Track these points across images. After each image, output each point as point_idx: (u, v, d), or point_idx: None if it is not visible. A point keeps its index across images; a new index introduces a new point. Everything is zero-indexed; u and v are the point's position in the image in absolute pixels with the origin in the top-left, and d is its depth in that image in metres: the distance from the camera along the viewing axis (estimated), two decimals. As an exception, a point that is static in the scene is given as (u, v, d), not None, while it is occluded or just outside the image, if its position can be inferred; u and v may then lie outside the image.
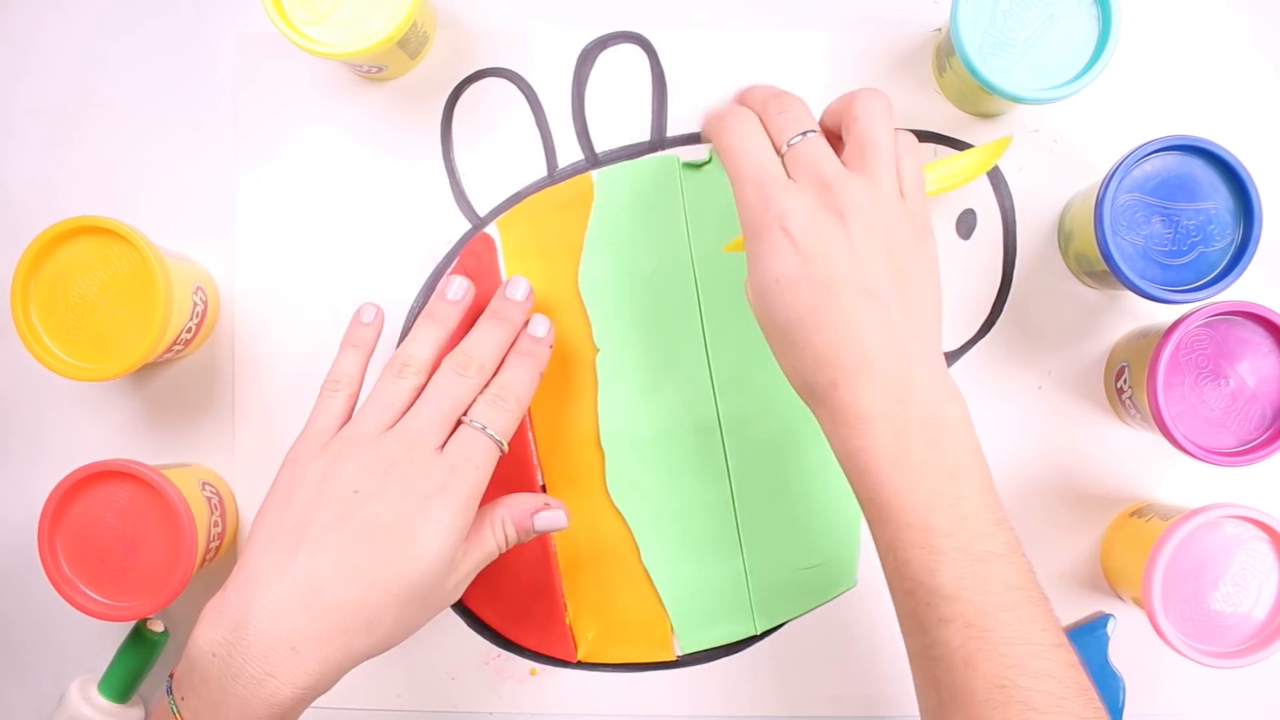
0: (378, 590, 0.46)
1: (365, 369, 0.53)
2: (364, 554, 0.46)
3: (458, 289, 0.53)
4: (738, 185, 0.48)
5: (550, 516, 0.52)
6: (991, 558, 0.43)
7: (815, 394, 0.46)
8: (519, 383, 0.52)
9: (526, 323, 0.54)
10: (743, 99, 0.52)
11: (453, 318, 0.53)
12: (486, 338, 0.52)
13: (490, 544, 0.50)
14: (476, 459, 0.49)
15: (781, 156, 0.48)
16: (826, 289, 0.45)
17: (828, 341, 0.45)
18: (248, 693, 0.44)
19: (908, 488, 0.44)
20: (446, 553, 0.47)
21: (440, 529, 0.47)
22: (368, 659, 0.47)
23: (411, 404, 0.50)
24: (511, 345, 0.53)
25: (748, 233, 0.48)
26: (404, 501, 0.47)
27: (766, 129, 0.49)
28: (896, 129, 0.49)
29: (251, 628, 0.44)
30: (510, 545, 0.51)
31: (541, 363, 0.53)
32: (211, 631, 0.45)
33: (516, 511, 0.51)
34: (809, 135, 0.48)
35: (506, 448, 0.50)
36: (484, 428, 0.50)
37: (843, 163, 0.47)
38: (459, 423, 0.50)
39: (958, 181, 0.53)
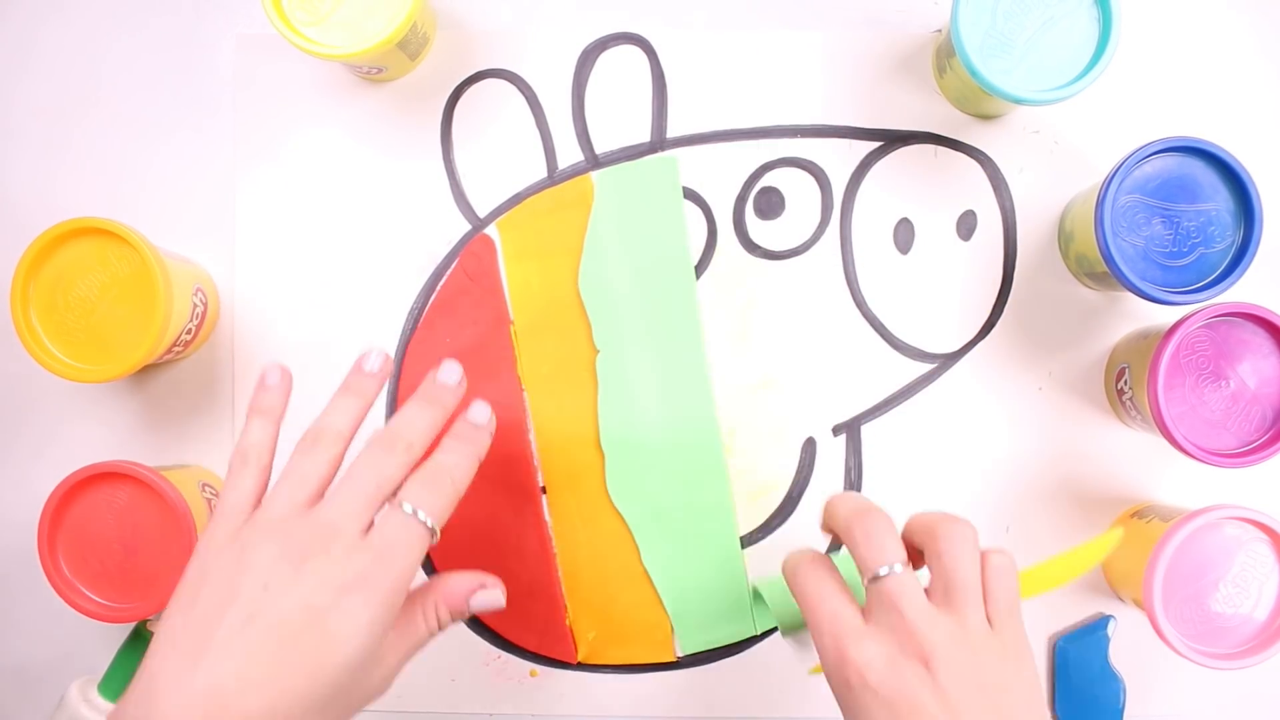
0: (289, 697, 0.40)
1: (275, 441, 0.47)
2: (273, 659, 0.40)
3: (375, 360, 0.48)
4: (815, 635, 0.44)
5: (487, 596, 0.47)
6: None
7: None
8: (456, 465, 0.46)
9: (461, 409, 0.49)
10: (830, 512, 0.47)
11: (371, 391, 0.48)
12: (416, 417, 0.47)
13: (421, 632, 0.45)
14: (405, 546, 0.43)
15: (865, 586, 0.44)
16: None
17: None
18: None
19: None
20: (366, 650, 0.42)
21: (359, 625, 0.41)
22: None
23: (329, 479, 0.45)
24: (443, 430, 0.48)
25: (833, 685, 0.43)
26: (319, 596, 0.41)
27: (851, 549, 0.45)
28: (994, 550, 0.45)
29: None
30: (444, 630, 0.46)
31: (481, 450, 0.48)
32: None
33: (450, 593, 0.46)
34: (895, 570, 0.43)
35: (439, 535, 0.45)
36: (415, 511, 0.44)
37: (928, 595, 0.44)
38: (385, 504, 0.44)
39: (1056, 584, 0.48)
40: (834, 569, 0.46)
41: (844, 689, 0.43)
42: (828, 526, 0.47)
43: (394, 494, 0.45)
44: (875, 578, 0.43)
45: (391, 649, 0.44)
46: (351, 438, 0.47)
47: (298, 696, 0.41)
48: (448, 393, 0.48)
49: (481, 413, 0.49)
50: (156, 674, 0.41)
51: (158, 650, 0.41)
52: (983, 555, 0.44)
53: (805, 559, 0.47)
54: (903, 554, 0.44)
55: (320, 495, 0.44)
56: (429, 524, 0.44)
